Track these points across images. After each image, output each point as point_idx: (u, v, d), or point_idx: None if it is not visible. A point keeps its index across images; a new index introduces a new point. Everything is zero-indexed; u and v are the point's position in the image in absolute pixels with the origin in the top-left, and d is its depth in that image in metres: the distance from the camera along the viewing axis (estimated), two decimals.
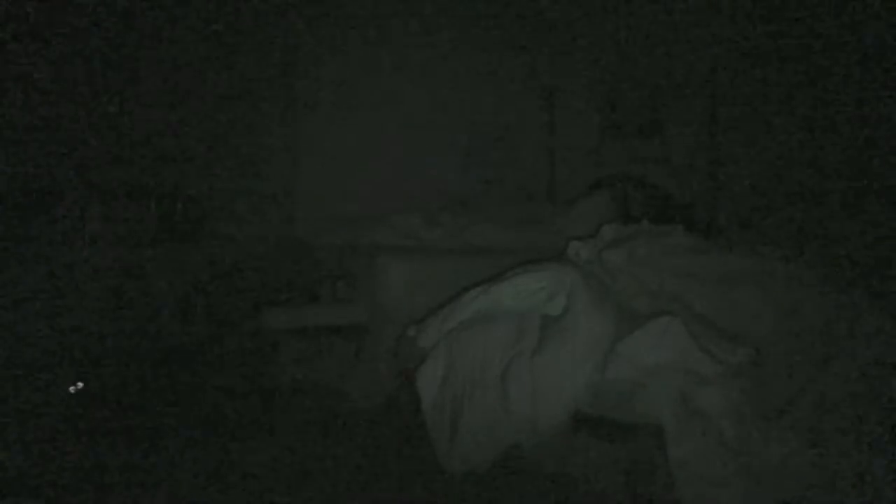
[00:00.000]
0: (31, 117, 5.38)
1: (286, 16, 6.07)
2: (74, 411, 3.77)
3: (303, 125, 6.15)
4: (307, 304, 4.45)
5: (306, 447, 3.28)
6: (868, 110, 4.52)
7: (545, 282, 2.77)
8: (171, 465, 3.06)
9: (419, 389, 2.77)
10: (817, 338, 2.40)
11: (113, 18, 5.57)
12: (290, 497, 2.78)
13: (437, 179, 6.04)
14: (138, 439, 3.36)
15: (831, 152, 4.69)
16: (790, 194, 4.74)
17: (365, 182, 5.85)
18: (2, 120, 5.29)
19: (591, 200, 5.00)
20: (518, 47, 6.37)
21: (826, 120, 4.72)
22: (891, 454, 2.07)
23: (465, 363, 2.70)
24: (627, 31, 5.84)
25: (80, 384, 4.16)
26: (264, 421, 3.68)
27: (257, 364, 4.37)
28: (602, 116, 6.13)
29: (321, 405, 3.90)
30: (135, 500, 2.75)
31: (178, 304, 5.32)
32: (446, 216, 5.07)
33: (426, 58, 6.23)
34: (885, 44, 4.41)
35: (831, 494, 2.05)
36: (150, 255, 5.61)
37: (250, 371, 4.37)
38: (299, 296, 4.60)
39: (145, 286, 5.42)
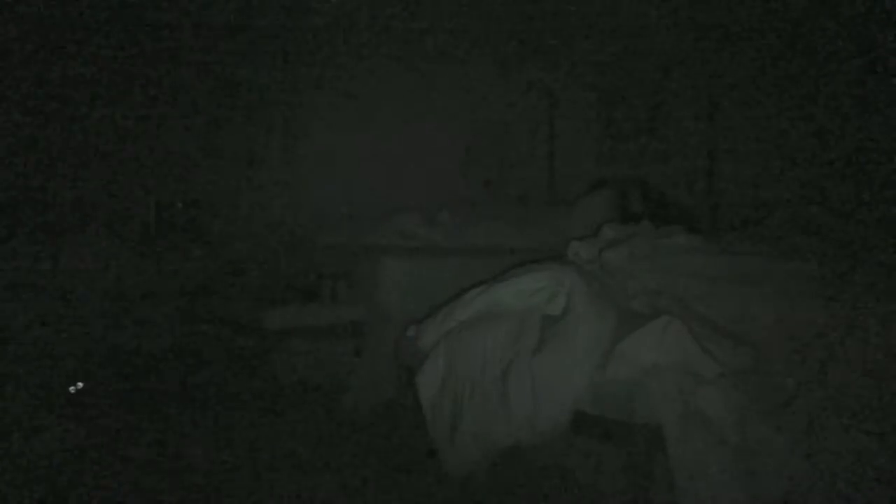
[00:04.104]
0: (32, 119, 5.38)
1: (287, 17, 6.07)
2: (74, 411, 3.77)
3: (303, 125, 6.15)
4: (307, 304, 4.45)
5: (306, 447, 3.28)
6: (869, 110, 4.52)
7: (545, 282, 2.77)
8: (171, 465, 3.06)
9: (419, 389, 2.77)
10: (817, 338, 2.40)
11: (113, 21, 5.57)
12: (289, 497, 2.78)
13: (437, 179, 6.04)
14: (138, 439, 3.37)
15: (832, 152, 4.69)
16: (790, 194, 4.73)
17: (365, 182, 5.85)
18: (2, 121, 5.29)
19: (591, 200, 5.00)
20: (518, 47, 6.37)
21: (827, 120, 4.72)
22: (891, 454, 2.07)
23: (465, 363, 2.70)
24: (627, 32, 5.84)
25: (80, 384, 4.17)
26: (264, 421, 3.68)
27: (257, 364, 4.37)
28: (602, 116, 6.13)
29: (321, 405, 3.90)
30: (134, 500, 2.75)
31: (178, 304, 5.33)
32: (446, 216, 5.07)
33: (426, 58, 6.23)
34: (886, 42, 4.41)
35: (831, 494, 2.05)
36: (150, 255, 5.62)
37: (250, 371, 4.38)
38: (299, 296, 4.60)
39: (145, 286, 5.42)
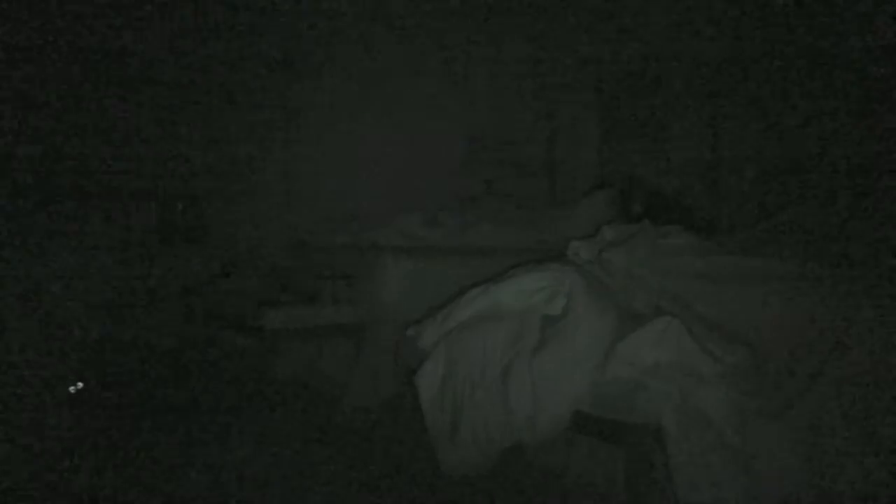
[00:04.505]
0: (31, 118, 5.38)
1: (285, 17, 6.07)
2: (74, 411, 3.77)
3: (302, 125, 6.15)
4: (307, 304, 4.45)
5: (306, 447, 3.28)
6: (870, 110, 4.52)
7: (545, 282, 2.77)
8: (171, 466, 3.07)
9: (419, 389, 2.77)
10: (817, 338, 2.40)
11: (112, 20, 5.58)
12: (289, 498, 2.78)
13: (437, 180, 6.04)
14: (138, 440, 3.37)
15: (832, 152, 4.68)
16: (790, 194, 4.73)
17: (365, 182, 5.85)
18: (1, 121, 5.29)
19: (591, 200, 5.00)
20: (518, 47, 6.37)
21: (827, 120, 4.72)
22: (891, 454, 2.07)
23: (465, 363, 2.70)
24: (627, 31, 5.84)
25: (80, 384, 4.17)
26: (264, 421, 3.68)
27: (257, 364, 4.37)
28: (602, 117, 6.13)
29: (321, 405, 3.90)
30: (134, 500, 2.75)
31: (178, 304, 5.33)
32: (446, 216, 5.07)
33: (426, 58, 6.23)
34: (887, 42, 4.41)
35: (832, 494, 2.05)
36: (151, 256, 5.62)
37: (250, 371, 4.38)
38: (299, 296, 4.60)
39: (145, 286, 5.43)
